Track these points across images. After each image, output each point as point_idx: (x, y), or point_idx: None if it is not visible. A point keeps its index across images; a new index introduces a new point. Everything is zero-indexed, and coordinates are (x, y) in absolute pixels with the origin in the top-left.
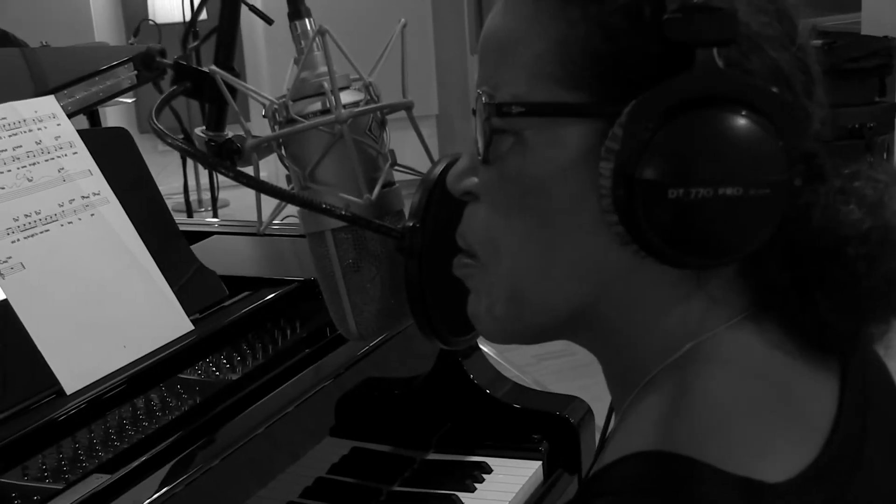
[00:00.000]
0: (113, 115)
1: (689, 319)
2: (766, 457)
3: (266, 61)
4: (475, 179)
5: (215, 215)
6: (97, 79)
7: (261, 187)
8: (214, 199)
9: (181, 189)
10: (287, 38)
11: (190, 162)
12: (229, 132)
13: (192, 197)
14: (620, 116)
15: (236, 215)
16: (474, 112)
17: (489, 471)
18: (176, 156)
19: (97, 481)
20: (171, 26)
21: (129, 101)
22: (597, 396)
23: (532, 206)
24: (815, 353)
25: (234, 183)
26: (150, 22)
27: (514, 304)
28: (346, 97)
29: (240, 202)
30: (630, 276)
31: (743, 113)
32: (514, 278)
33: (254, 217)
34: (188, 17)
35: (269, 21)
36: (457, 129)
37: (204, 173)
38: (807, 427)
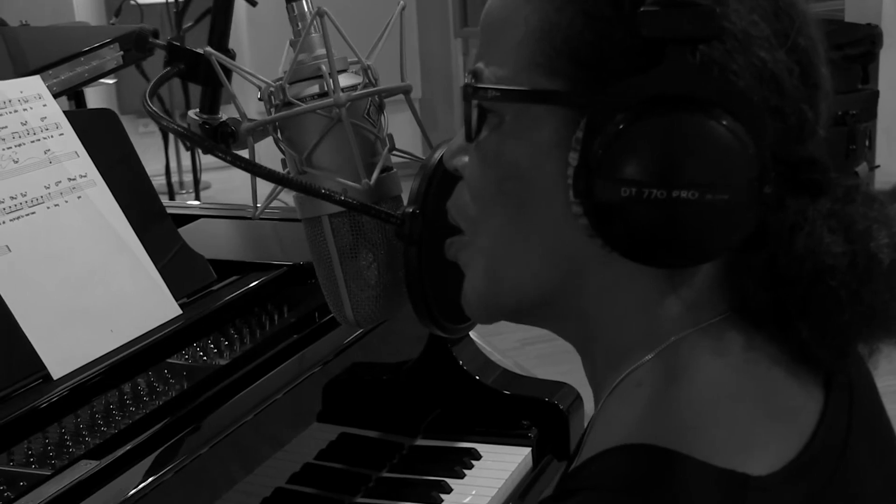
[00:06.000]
0: (93, 96)
1: (668, 316)
2: (750, 450)
3: (248, 43)
4: (465, 159)
5: (197, 197)
6: (82, 59)
7: (257, 171)
8: (197, 181)
9: (163, 171)
10: (270, 20)
11: (172, 143)
12: (223, 115)
13: (174, 179)
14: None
15: (218, 197)
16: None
17: (478, 457)
18: (158, 137)
19: (85, 468)
20: (152, 7)
21: (111, 81)
22: (581, 381)
23: (508, 191)
24: (800, 357)
25: (215, 165)
26: (132, 2)
27: (490, 282)
28: (343, 80)
29: (222, 184)
30: (603, 268)
31: (705, 115)
32: (491, 258)
33: (237, 199)
34: None
35: (252, 3)
36: (440, 113)
37: (186, 155)
38: (791, 421)
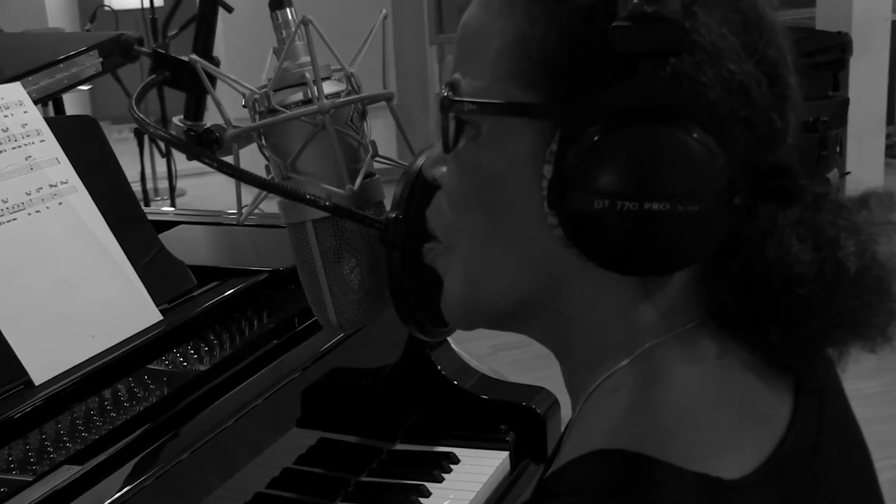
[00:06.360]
0: (67, 103)
1: (643, 322)
2: (723, 453)
3: (225, 51)
4: (444, 169)
5: (173, 204)
6: (61, 66)
7: (243, 177)
8: (172, 188)
9: (137, 178)
10: (247, 28)
11: (147, 150)
12: (206, 121)
13: (149, 185)
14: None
15: (193, 204)
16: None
17: (457, 461)
18: (133, 144)
19: (66, 473)
20: (127, 13)
21: (86, 88)
22: (556, 387)
23: (486, 201)
24: (770, 362)
25: (190, 172)
26: (107, 8)
27: (468, 289)
28: (327, 87)
29: (197, 191)
30: (580, 276)
31: (676, 127)
32: (470, 265)
33: (212, 206)
34: (145, 3)
35: (229, 9)
36: (415, 119)
37: (160, 162)
38: (762, 423)
